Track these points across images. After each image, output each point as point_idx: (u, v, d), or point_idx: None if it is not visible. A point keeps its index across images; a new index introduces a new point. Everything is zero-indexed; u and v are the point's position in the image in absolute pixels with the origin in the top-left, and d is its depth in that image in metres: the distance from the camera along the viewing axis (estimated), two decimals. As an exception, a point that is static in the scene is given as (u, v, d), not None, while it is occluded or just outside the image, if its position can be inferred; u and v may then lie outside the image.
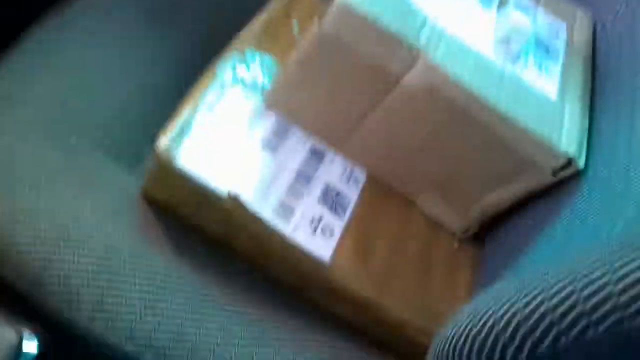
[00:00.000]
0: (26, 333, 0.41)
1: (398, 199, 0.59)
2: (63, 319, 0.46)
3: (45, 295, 0.47)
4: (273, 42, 0.62)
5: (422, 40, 0.50)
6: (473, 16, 0.56)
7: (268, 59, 0.60)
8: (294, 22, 0.65)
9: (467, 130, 0.52)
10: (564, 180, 0.52)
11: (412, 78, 0.50)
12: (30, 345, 0.40)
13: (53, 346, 0.42)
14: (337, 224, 0.54)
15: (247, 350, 0.49)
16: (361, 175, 0.58)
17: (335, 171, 0.57)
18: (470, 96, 0.50)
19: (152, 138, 0.51)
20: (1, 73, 0.57)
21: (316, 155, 0.57)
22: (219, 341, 0.48)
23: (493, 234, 0.58)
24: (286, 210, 0.52)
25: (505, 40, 0.55)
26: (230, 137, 0.54)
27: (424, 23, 0.51)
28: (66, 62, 0.59)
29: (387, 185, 0.59)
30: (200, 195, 0.50)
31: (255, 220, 0.50)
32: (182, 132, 0.52)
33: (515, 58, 0.55)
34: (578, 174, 0.51)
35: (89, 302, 0.46)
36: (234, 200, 0.50)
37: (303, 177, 0.55)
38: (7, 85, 0.56)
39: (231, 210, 0.50)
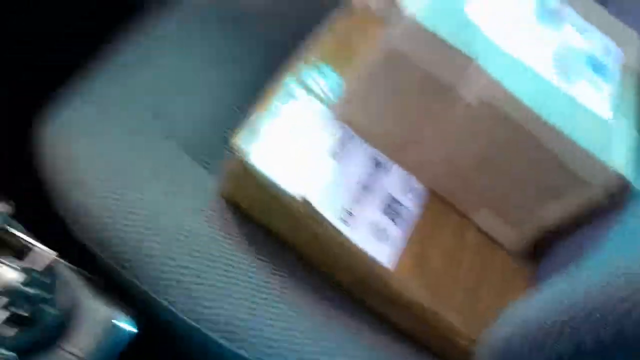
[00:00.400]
0: (123, 314, 0.44)
1: (455, 213, 0.61)
2: (151, 301, 0.50)
3: (134, 277, 0.51)
4: (339, 55, 0.65)
5: (481, 56, 0.53)
6: (531, 33, 0.59)
7: (333, 71, 0.64)
8: (359, 36, 0.68)
9: (523, 145, 0.54)
10: (616, 198, 0.53)
11: (469, 92, 0.53)
12: (127, 325, 0.44)
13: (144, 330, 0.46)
14: (397, 233, 0.56)
15: (305, 341, 0.53)
16: (421, 188, 0.61)
17: (396, 182, 0.60)
18: (528, 112, 0.52)
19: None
20: (99, 76, 0.62)
21: (379, 166, 0.60)
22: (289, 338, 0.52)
23: (547, 250, 0.60)
24: (349, 216, 0.55)
25: (561, 59, 0.57)
26: (298, 143, 0.57)
27: (483, 39, 0.54)
28: (157, 69, 0.65)
29: (445, 199, 0.61)
30: (269, 194, 0.54)
31: (320, 222, 0.53)
32: (253, 135, 0.55)
33: (571, 76, 0.57)
34: (629, 192, 0.53)
35: (170, 282, 0.50)
36: (302, 201, 0.53)
37: (366, 186, 0.58)
38: (105, 89, 0.62)
39: (298, 211, 0.53)
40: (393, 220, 0.57)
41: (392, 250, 0.55)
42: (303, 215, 0.53)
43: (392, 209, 0.58)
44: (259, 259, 0.55)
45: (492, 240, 0.61)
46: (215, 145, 0.61)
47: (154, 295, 0.50)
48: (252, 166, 0.53)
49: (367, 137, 0.60)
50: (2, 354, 0.36)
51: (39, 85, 0.66)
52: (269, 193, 0.54)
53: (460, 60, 0.53)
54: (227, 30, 0.70)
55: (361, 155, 0.59)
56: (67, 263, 0.47)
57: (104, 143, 0.59)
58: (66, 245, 0.50)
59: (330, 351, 0.53)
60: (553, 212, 0.57)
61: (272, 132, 0.56)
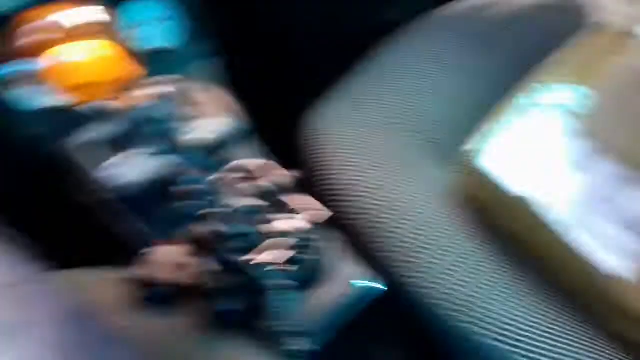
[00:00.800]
0: (371, 275, 0.52)
1: None
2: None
3: (383, 253, 0.60)
4: (584, 71, 0.67)
5: None
6: None
7: (578, 87, 0.66)
8: (606, 53, 0.69)
9: None
10: None
11: None
12: (375, 285, 0.52)
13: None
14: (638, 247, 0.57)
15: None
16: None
17: (642, 198, 0.60)
18: None
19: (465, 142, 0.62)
20: (362, 77, 0.73)
21: (627, 181, 0.60)
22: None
23: None
24: (590, 227, 0.56)
25: None
26: (533, 150, 0.61)
27: None
28: (406, 74, 0.74)
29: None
30: (497, 195, 0.58)
31: (554, 230, 0.56)
32: (487, 138, 0.60)
33: None
34: None
35: (415, 263, 0.58)
36: (527, 201, 0.56)
37: (610, 199, 0.58)
38: (364, 89, 0.72)
39: (528, 214, 0.57)
40: (636, 234, 0.57)
41: (629, 263, 0.55)
42: (534, 216, 0.56)
43: (637, 224, 0.58)
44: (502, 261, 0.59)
45: None
46: (455, 146, 0.67)
47: (401, 277, 0.58)
48: (480, 164, 0.58)
49: (616, 152, 0.60)
50: (288, 285, 0.46)
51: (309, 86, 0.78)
52: (503, 194, 0.58)
53: None
54: (475, 44, 0.76)
55: (606, 169, 0.60)
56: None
57: (361, 134, 0.69)
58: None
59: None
60: None
61: (509, 138, 0.61)
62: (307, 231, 0.48)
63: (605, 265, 0.55)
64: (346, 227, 0.63)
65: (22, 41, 0.36)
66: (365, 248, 0.61)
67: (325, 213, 0.49)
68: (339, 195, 0.65)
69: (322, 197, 0.65)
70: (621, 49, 0.66)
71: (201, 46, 0.67)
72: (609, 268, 0.55)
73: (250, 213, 0.48)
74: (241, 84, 0.67)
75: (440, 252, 0.58)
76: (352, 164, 0.66)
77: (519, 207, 0.57)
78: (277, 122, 0.75)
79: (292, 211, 0.51)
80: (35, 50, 0.37)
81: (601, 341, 0.56)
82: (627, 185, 0.60)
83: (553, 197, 0.57)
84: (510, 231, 0.61)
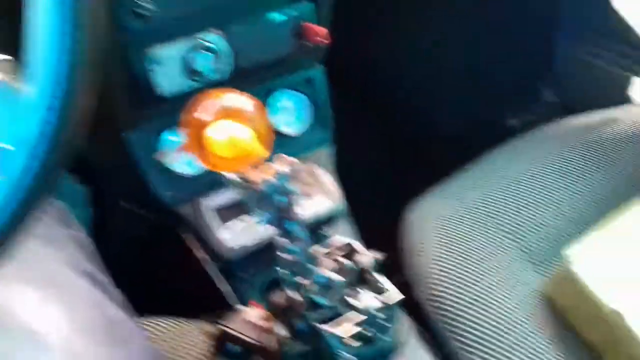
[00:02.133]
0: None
1: None
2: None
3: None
4: None
5: None
6: None
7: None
8: None
9: None
10: None
11: None
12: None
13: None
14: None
15: None
16: None
17: None
18: None
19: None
20: (464, 178, 0.79)
21: None
22: None
23: None
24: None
25: None
26: (632, 260, 0.61)
27: None
28: (516, 177, 0.77)
29: None
30: (589, 304, 0.59)
31: (636, 340, 0.56)
32: (588, 247, 0.62)
33: None
34: None
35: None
36: (618, 316, 0.57)
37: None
38: (466, 190, 0.77)
39: (612, 326, 0.57)
40: None
41: None
42: (619, 330, 0.57)
43: None
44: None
45: None
46: (552, 253, 0.69)
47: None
48: (576, 274, 0.60)
49: None
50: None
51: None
52: (589, 302, 0.59)
53: None
54: (593, 157, 0.78)
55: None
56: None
57: (456, 232, 0.72)
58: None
59: None
60: None
61: (608, 249, 0.62)
62: (381, 311, 0.53)
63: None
64: (429, 315, 0.67)
65: (190, 115, 0.45)
66: (444, 339, 0.65)
67: (397, 296, 0.53)
68: (429, 285, 0.69)
69: (414, 283, 0.70)
70: None
71: (323, 134, 0.76)
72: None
73: (335, 287, 0.53)
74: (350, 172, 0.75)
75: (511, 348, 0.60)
76: (446, 256, 0.70)
77: (610, 320, 0.58)
78: (385, 208, 0.82)
79: (372, 290, 0.56)
80: (195, 124, 0.46)
81: None
82: None
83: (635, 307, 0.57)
84: (595, 342, 0.61)
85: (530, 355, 0.61)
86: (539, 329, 0.62)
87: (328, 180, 0.72)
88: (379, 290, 0.55)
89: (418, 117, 1.19)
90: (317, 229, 0.69)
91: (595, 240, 0.62)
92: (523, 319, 0.63)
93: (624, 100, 1.07)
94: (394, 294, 0.54)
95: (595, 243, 0.62)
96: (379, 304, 0.51)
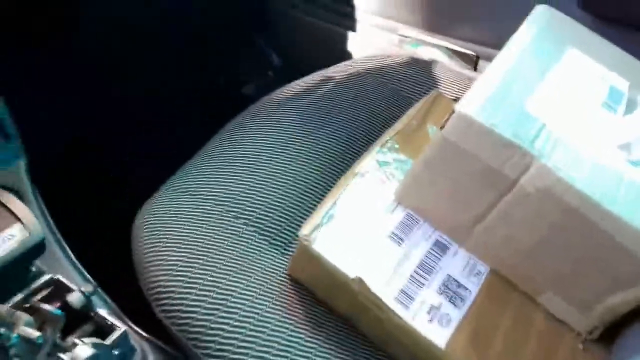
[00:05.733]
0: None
1: (520, 295, 0.61)
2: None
3: (201, 353, 0.56)
4: (409, 143, 0.69)
5: (538, 146, 0.54)
6: (595, 122, 0.58)
7: (404, 158, 0.68)
8: (429, 127, 0.72)
9: (583, 232, 0.53)
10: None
11: (527, 181, 0.54)
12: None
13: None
14: (455, 315, 0.58)
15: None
16: (484, 269, 0.61)
17: (457, 264, 0.61)
18: (585, 199, 0.52)
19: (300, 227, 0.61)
20: (189, 170, 0.72)
21: (440, 248, 0.62)
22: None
23: (618, 336, 0.57)
24: (406, 297, 0.57)
25: (627, 146, 0.56)
26: (362, 227, 0.61)
27: (540, 129, 0.55)
28: (240, 161, 0.72)
29: (510, 281, 0.61)
30: (331, 276, 0.58)
31: (377, 303, 0.56)
32: (321, 222, 0.60)
33: (637, 163, 0.55)
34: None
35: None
36: (359, 283, 0.56)
37: (425, 268, 0.60)
38: (191, 176, 0.70)
39: (356, 293, 0.57)
40: (452, 301, 0.58)
41: (449, 331, 0.56)
42: (360, 296, 0.56)
43: (451, 290, 0.59)
44: (320, 338, 0.58)
45: (561, 323, 0.59)
46: (289, 229, 0.66)
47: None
48: (315, 251, 0.58)
49: (429, 220, 0.62)
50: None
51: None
52: (331, 276, 0.58)
53: (518, 155, 0.54)
54: (303, 121, 0.76)
55: (424, 238, 0.62)
56: (143, 334, 0.54)
57: (187, 230, 0.66)
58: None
59: None
60: (623, 299, 0.55)
61: (339, 218, 0.61)
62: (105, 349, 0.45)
63: (423, 334, 0.56)
64: (172, 331, 0.60)
65: None
66: (187, 352, 0.59)
67: (119, 330, 0.46)
68: (163, 296, 0.62)
69: (149, 297, 0.62)
70: (441, 120, 0.69)
71: (6, 150, 0.64)
72: (426, 337, 0.55)
73: (41, 345, 0.44)
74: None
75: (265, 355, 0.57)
76: (177, 260, 0.63)
77: (349, 288, 0.57)
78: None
79: (95, 327, 0.47)
80: None
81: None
82: (444, 252, 0.61)
83: (372, 272, 0.57)
84: (342, 311, 0.60)
85: (288, 338, 0.58)
86: (291, 312, 0.60)
87: (18, 207, 0.60)
88: (101, 327, 0.47)
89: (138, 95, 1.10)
90: (24, 267, 0.58)
91: (328, 211, 0.61)
92: (274, 306, 0.60)
93: (345, 56, 1.10)
94: (117, 329, 0.46)
95: (329, 214, 0.61)
96: (91, 352, 0.43)
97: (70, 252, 0.65)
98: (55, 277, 0.48)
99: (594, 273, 0.55)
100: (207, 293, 0.59)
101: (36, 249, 0.55)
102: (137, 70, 1.11)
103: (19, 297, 0.47)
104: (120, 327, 0.47)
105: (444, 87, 0.84)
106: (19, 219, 0.55)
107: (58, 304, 0.49)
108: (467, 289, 0.60)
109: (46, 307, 0.45)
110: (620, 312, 0.56)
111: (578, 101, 0.60)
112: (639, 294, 0.53)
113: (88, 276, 0.56)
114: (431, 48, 0.97)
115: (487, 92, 0.57)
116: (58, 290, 0.48)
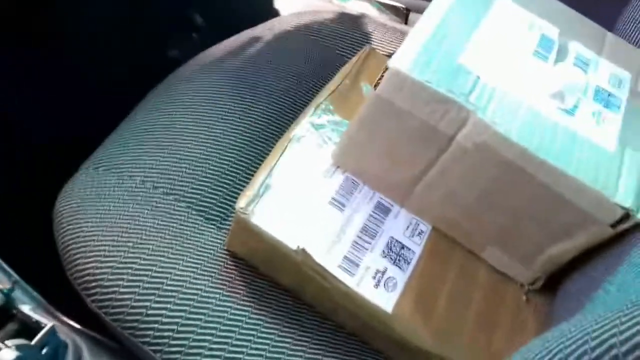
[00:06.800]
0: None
1: (463, 251, 0.61)
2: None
3: (139, 342, 0.54)
4: (343, 103, 0.67)
5: (473, 100, 0.52)
6: (527, 72, 0.57)
7: (339, 119, 0.65)
8: (363, 85, 0.70)
9: (521, 185, 0.53)
10: (624, 232, 0.51)
11: (463, 137, 0.53)
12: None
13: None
14: (400, 277, 0.57)
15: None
16: (426, 229, 0.61)
17: (400, 225, 0.60)
18: (521, 151, 0.51)
19: (236, 199, 0.58)
20: (109, 145, 0.67)
21: (381, 210, 0.60)
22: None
23: (560, 285, 0.58)
24: (350, 263, 0.56)
25: (560, 95, 0.55)
26: (301, 195, 0.59)
27: (475, 83, 0.54)
28: (165, 133, 0.68)
29: (452, 238, 0.61)
30: (273, 249, 0.56)
31: (321, 272, 0.55)
32: (258, 193, 0.58)
33: (570, 111, 0.55)
34: (638, 226, 0.51)
35: (177, 350, 0.53)
36: (302, 254, 0.54)
37: (368, 232, 0.58)
38: (111, 157, 0.66)
39: (299, 264, 0.55)
40: (397, 264, 0.57)
41: (395, 294, 0.56)
42: (303, 266, 0.55)
43: (395, 252, 0.58)
44: (266, 312, 0.57)
45: (504, 276, 0.60)
46: (225, 202, 0.63)
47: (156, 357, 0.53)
48: (254, 225, 0.55)
49: (368, 182, 0.61)
50: None
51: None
52: (272, 248, 0.56)
53: (454, 110, 0.52)
54: (232, 84, 0.72)
55: (365, 201, 0.60)
56: (76, 326, 0.51)
57: (108, 209, 0.62)
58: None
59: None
60: (563, 248, 0.55)
61: (276, 187, 0.58)
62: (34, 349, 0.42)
63: (369, 299, 0.55)
64: (106, 323, 0.57)
65: None
66: (123, 341, 0.56)
67: (44, 326, 0.43)
68: (94, 287, 0.58)
69: (79, 288, 0.59)
70: (375, 77, 0.67)
71: None
72: (372, 302, 0.55)
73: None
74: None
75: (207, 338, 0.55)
76: (103, 246, 0.59)
77: (292, 258, 0.55)
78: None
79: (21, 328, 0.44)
80: None
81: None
82: (386, 214, 0.60)
83: (314, 240, 0.55)
84: (286, 282, 0.58)
85: (232, 317, 0.56)
86: (233, 289, 0.58)
87: None
88: (27, 325, 0.43)
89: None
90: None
91: (264, 180, 0.58)
92: (214, 284, 0.57)
93: (272, 14, 1.06)
94: (43, 326, 0.43)
95: (266, 184, 0.58)
96: (14, 355, 0.40)
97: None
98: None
99: (534, 225, 0.55)
100: (140, 278, 0.56)
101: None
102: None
103: None
104: (47, 324, 0.44)
105: (376, 42, 0.82)
106: None
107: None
108: (410, 249, 0.59)
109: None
110: (561, 262, 0.56)
111: (510, 51, 0.59)
112: (577, 243, 0.54)
113: (8, 269, 0.52)
114: (361, 2, 0.95)
115: (419, 47, 0.55)
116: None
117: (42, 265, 0.61)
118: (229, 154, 0.66)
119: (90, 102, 0.96)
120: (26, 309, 0.45)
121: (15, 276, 0.51)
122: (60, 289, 0.57)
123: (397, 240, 0.59)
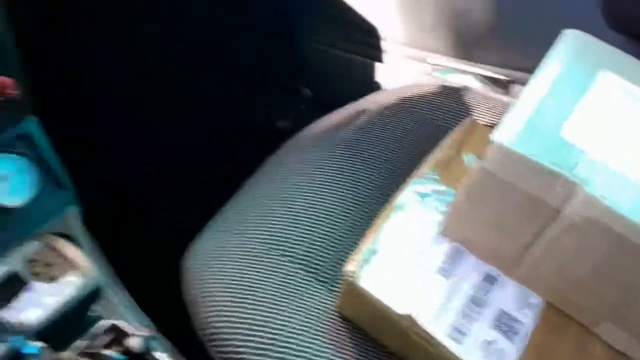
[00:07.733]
0: None
1: (577, 326, 0.60)
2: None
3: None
4: (447, 173, 0.69)
5: (579, 173, 0.53)
6: (633, 144, 0.57)
7: (444, 188, 0.68)
8: (464, 155, 0.72)
9: (635, 260, 0.52)
10: None
11: (571, 210, 0.53)
12: None
13: None
14: (511, 350, 0.57)
15: None
16: (537, 301, 0.60)
17: (509, 296, 0.60)
18: (634, 227, 0.51)
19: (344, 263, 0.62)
20: (232, 208, 0.73)
21: (490, 280, 0.61)
22: None
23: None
24: (458, 332, 0.57)
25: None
26: (407, 261, 0.61)
27: (579, 156, 0.54)
28: (282, 196, 0.73)
29: (565, 313, 0.60)
30: (380, 313, 0.58)
31: (428, 339, 0.56)
32: (367, 258, 0.61)
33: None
34: None
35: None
36: (408, 320, 0.56)
37: (475, 301, 0.59)
38: (234, 221, 0.72)
39: (407, 330, 0.57)
40: (506, 335, 0.58)
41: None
42: (410, 332, 0.56)
43: (504, 324, 0.58)
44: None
45: (623, 355, 0.58)
46: (335, 265, 0.67)
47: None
48: (363, 289, 0.58)
49: (475, 252, 0.62)
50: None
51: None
52: (380, 313, 0.58)
53: (559, 183, 0.53)
54: (341, 154, 0.77)
55: (472, 270, 0.62)
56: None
57: (231, 268, 0.67)
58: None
59: None
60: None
61: (384, 253, 0.61)
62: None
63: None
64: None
65: None
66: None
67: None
68: (216, 338, 0.63)
69: (205, 339, 0.64)
70: (479, 149, 0.69)
71: (60, 196, 0.66)
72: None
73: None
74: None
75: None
76: (230, 302, 0.64)
77: (400, 325, 0.57)
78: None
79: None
80: None
81: None
82: (494, 285, 0.61)
83: (422, 308, 0.57)
84: (393, 348, 0.60)
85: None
86: (342, 350, 0.60)
87: (73, 254, 0.62)
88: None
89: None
90: (83, 312, 0.60)
91: (371, 246, 0.61)
92: (324, 344, 0.60)
93: (375, 88, 1.11)
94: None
95: (373, 250, 0.61)
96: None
97: (126, 295, 0.67)
98: (115, 323, 0.49)
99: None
100: (257, 332, 0.60)
101: (93, 294, 0.56)
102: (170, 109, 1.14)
103: (81, 343, 0.48)
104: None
105: (477, 113, 0.84)
106: (75, 266, 0.57)
107: (119, 349, 0.50)
108: (521, 322, 0.59)
109: (108, 352, 0.47)
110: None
111: (614, 124, 0.60)
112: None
113: (147, 319, 0.58)
114: (462, 75, 0.98)
115: (522, 120, 0.56)
116: (118, 335, 0.50)
117: (171, 315, 0.67)
118: (338, 220, 0.71)
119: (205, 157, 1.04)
120: (161, 355, 0.50)
121: (154, 327, 0.56)
122: (186, 338, 0.62)
123: (505, 312, 0.59)
